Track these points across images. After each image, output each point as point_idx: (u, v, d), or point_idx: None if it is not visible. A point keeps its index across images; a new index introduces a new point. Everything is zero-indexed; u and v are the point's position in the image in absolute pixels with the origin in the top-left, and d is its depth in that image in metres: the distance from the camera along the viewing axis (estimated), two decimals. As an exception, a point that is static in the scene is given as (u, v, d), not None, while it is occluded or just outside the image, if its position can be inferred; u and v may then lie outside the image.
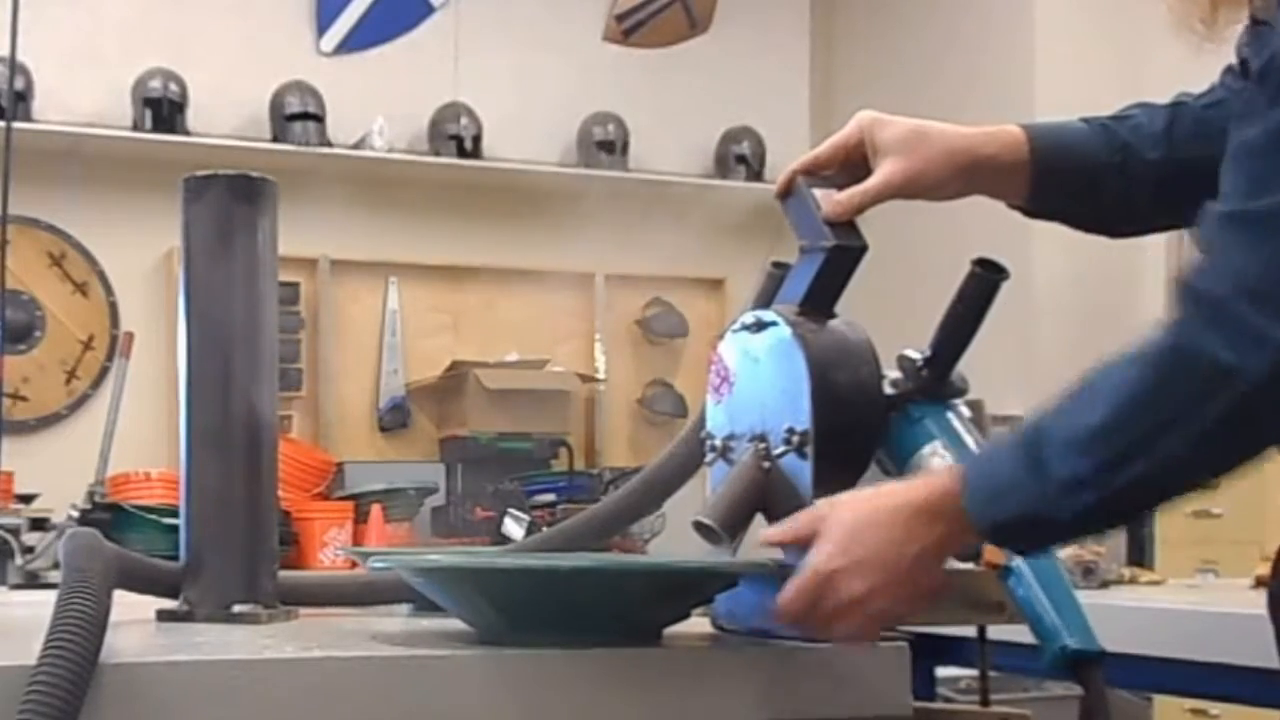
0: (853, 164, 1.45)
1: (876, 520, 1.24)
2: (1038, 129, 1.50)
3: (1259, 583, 2.18)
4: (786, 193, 1.46)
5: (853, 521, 1.25)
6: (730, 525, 1.31)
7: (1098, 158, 1.51)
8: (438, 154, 6.15)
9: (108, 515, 3.22)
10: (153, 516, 3.12)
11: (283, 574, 1.52)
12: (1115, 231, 1.61)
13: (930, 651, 2.84)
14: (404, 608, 1.55)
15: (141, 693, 1.08)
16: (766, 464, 1.32)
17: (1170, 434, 1.17)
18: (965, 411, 1.41)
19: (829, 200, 1.41)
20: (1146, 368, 1.19)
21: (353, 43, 6.19)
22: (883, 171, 1.43)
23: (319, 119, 5.94)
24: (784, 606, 1.26)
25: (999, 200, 1.52)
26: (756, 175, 6.53)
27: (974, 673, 2.93)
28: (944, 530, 1.24)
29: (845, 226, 1.40)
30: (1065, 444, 1.20)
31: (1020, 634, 1.36)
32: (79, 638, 1.04)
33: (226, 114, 5.93)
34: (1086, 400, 1.21)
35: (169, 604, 1.45)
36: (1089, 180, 1.51)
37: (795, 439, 1.30)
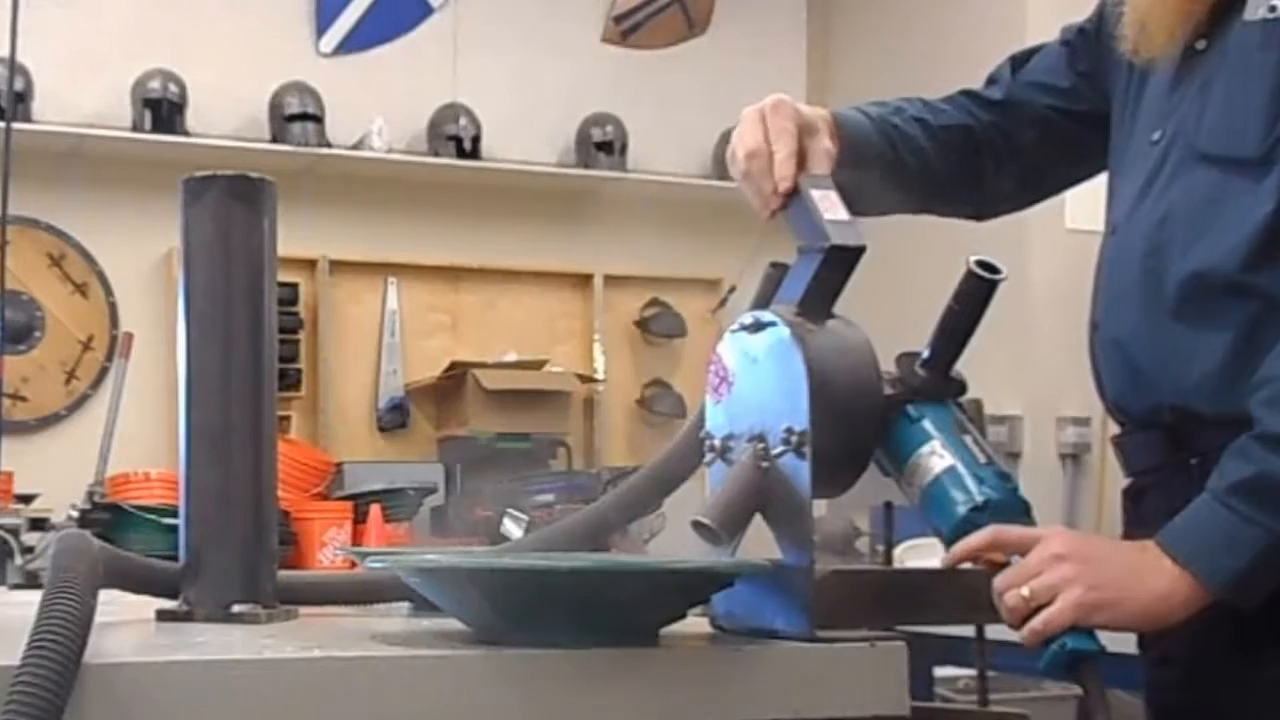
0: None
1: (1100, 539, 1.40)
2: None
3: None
4: (785, 199, 1.47)
5: (1079, 535, 1.37)
6: (729, 525, 1.31)
7: (871, 137, 1.72)
8: (437, 154, 6.15)
9: (107, 515, 3.20)
10: (152, 517, 3.11)
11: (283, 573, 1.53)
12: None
13: (929, 651, 2.85)
14: (404, 607, 1.55)
15: (140, 693, 1.08)
16: (765, 464, 1.32)
17: None
18: (964, 411, 1.41)
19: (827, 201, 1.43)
20: None
21: (352, 43, 6.19)
22: (827, 144, 1.58)
23: (318, 120, 5.94)
24: (999, 585, 1.34)
25: None
26: (755, 175, 6.53)
27: (972, 672, 2.94)
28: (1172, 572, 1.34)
29: (844, 226, 1.40)
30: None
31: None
32: (62, 637, 1.04)
33: (226, 115, 5.93)
34: None
35: (169, 604, 1.46)
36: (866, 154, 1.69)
37: (794, 439, 1.30)
